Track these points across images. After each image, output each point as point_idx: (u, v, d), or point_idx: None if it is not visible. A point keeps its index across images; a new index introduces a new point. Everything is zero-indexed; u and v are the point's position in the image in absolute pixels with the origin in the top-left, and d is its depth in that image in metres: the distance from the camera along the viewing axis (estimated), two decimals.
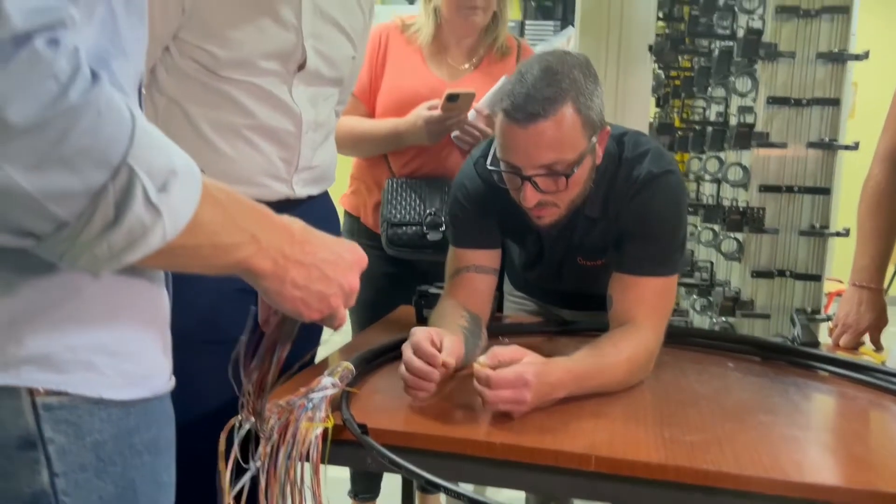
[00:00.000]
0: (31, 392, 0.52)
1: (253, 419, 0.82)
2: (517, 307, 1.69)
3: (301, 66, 1.20)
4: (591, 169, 1.16)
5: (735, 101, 2.38)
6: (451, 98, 1.61)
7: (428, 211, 1.68)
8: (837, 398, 1.14)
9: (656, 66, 2.69)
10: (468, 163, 1.32)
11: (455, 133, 1.67)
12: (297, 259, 0.64)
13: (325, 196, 1.38)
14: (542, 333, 1.43)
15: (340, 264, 0.69)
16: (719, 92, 2.54)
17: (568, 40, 2.59)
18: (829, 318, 2.63)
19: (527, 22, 3.31)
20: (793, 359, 1.28)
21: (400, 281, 1.77)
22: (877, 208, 1.46)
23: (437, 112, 1.63)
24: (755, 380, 1.19)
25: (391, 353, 1.19)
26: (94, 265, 0.49)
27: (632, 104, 2.38)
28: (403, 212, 1.70)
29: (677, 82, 3.28)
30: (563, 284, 1.45)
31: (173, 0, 1.10)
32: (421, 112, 1.65)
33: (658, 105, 3.87)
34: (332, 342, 1.39)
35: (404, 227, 1.69)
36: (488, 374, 0.95)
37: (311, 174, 1.28)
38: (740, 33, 2.25)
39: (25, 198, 0.45)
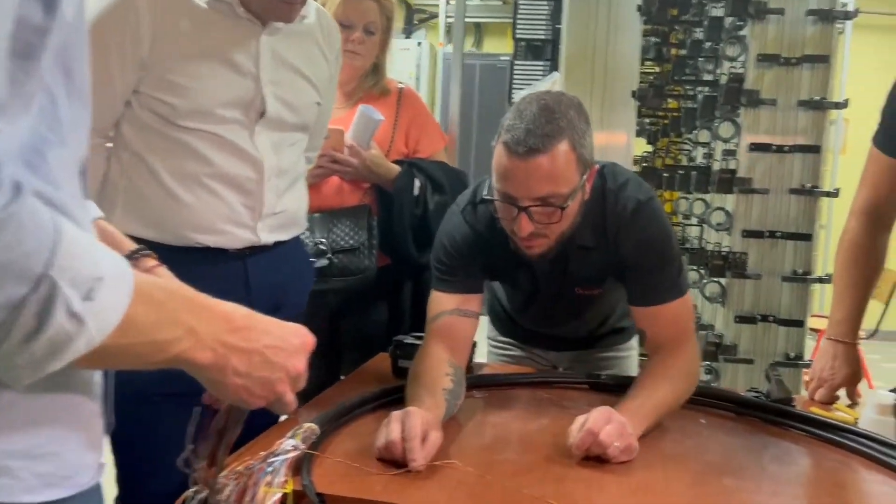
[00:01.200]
0: None
1: (206, 491, 0.82)
2: (500, 353, 1.71)
3: (262, 114, 1.22)
4: (581, 204, 1.22)
5: (719, 146, 2.40)
6: None
7: (315, 241, 1.71)
8: (807, 460, 1.13)
9: (640, 109, 2.72)
10: (453, 212, 1.35)
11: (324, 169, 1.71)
12: (239, 346, 0.64)
13: (294, 242, 1.39)
14: (518, 385, 1.42)
15: (285, 348, 0.69)
16: (704, 136, 2.57)
17: (552, 84, 2.62)
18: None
19: (516, 62, 3.34)
20: (765, 416, 1.28)
21: (308, 325, 1.79)
22: (853, 262, 1.46)
23: None
24: (725, 439, 1.19)
25: (360, 410, 1.18)
26: (16, 375, 0.49)
27: (614, 147, 2.39)
28: None
29: (665, 122, 3.31)
30: (557, 322, 1.48)
31: (132, 55, 1.13)
32: None
33: (649, 142, 3.90)
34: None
35: None
36: (593, 434, 1.03)
37: (276, 220, 1.29)
38: (723, 80, 2.28)
39: None
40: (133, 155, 1.19)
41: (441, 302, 1.32)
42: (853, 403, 1.42)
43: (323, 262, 1.73)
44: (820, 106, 2.17)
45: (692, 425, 1.24)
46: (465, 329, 1.31)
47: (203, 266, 1.20)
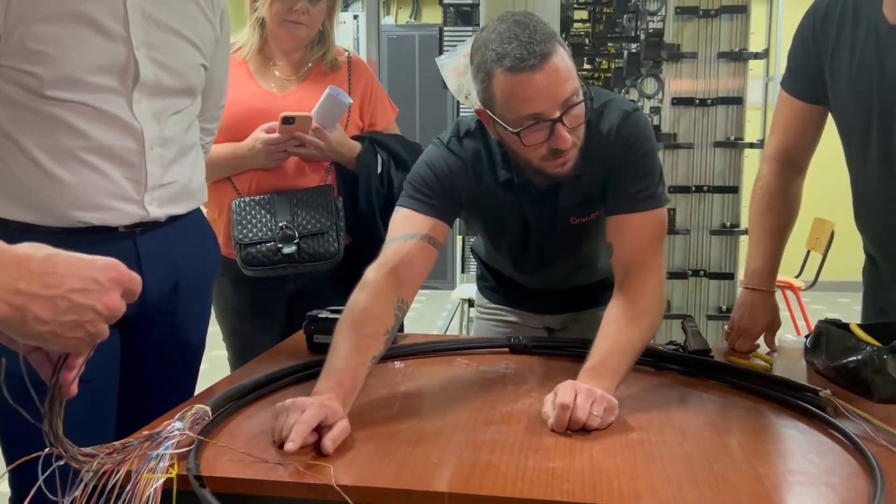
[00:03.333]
0: None
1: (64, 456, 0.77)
2: (490, 320, 1.66)
3: (137, 79, 1.15)
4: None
5: (647, 104, 2.39)
6: (287, 121, 1.61)
7: (279, 225, 1.66)
8: (717, 408, 1.13)
9: None
10: (436, 146, 1.30)
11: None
12: (39, 294, 0.62)
13: (194, 217, 1.33)
14: (437, 352, 1.39)
15: (93, 289, 0.67)
16: (633, 94, 2.55)
17: None
18: None
19: (445, 28, 3.28)
20: (683, 368, 1.28)
21: (265, 305, 1.76)
22: (767, 209, 1.45)
23: (275, 135, 1.63)
24: (640, 392, 1.18)
25: (264, 390, 1.14)
26: None
27: None
28: (255, 230, 1.68)
29: (599, 83, 3.29)
30: (553, 261, 1.42)
31: None
32: (259, 135, 1.65)
33: None
34: (213, 376, 1.34)
35: (257, 246, 1.67)
36: (566, 407, 0.99)
37: (165, 193, 1.23)
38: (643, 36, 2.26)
39: None
40: (2, 135, 1.11)
41: (412, 221, 1.24)
42: (772, 350, 1.43)
43: (291, 247, 1.68)
44: (739, 57, 2.17)
45: None
46: (427, 259, 1.23)
47: (90, 247, 1.13)
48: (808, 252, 4.45)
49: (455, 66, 2.40)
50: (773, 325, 1.45)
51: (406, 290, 1.19)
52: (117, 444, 0.86)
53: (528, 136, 1.13)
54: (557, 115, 1.11)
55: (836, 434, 1.00)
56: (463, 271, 4.04)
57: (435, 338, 1.52)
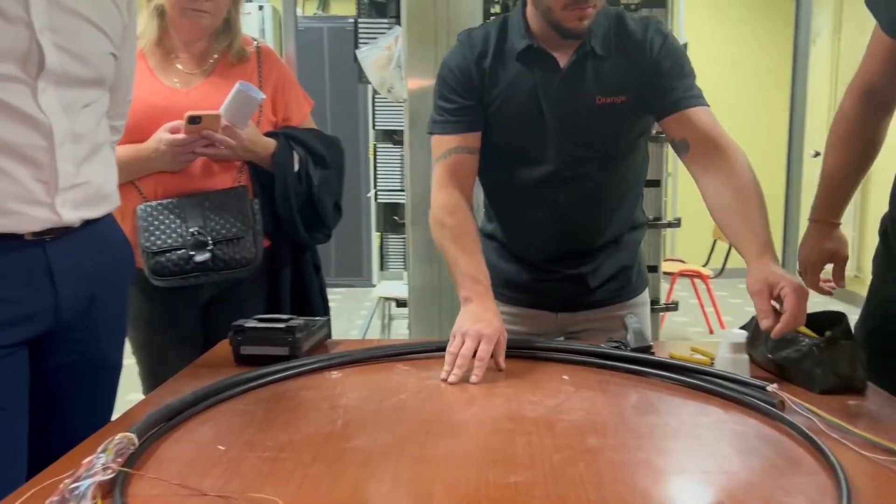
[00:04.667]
0: None
1: None
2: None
3: (42, 67, 1.03)
4: None
5: None
6: (193, 121, 1.50)
7: (190, 230, 1.55)
8: (667, 407, 1.11)
9: None
10: (456, 47, 1.41)
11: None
12: None
13: (107, 221, 1.22)
14: (376, 359, 1.33)
15: None
16: None
17: (396, 40, 2.50)
18: (672, 307, 2.72)
19: (360, 20, 3.20)
20: (626, 366, 1.26)
21: (177, 316, 1.64)
22: (838, 141, 1.44)
23: (180, 135, 1.51)
24: (588, 394, 1.15)
25: (194, 409, 1.05)
26: None
27: None
28: (164, 237, 1.56)
29: None
30: (577, 181, 1.41)
31: None
32: (162, 136, 1.52)
33: None
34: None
35: (167, 254, 1.55)
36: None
37: (79, 194, 1.11)
38: None
39: None
40: None
41: (444, 142, 1.40)
42: (838, 283, 1.46)
43: (204, 255, 1.55)
44: None
45: (554, 384, 1.20)
46: (471, 164, 1.41)
47: None
48: (715, 242, 4.60)
49: (376, 59, 2.32)
50: (834, 258, 1.46)
51: (466, 193, 1.41)
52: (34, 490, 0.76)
53: None
54: None
55: (788, 429, 1.00)
56: (382, 268, 3.97)
57: (371, 343, 1.45)
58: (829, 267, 1.51)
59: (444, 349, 1.27)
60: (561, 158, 1.40)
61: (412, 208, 2.39)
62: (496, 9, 2.74)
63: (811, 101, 3.26)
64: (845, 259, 1.47)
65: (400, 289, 3.67)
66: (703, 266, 4.57)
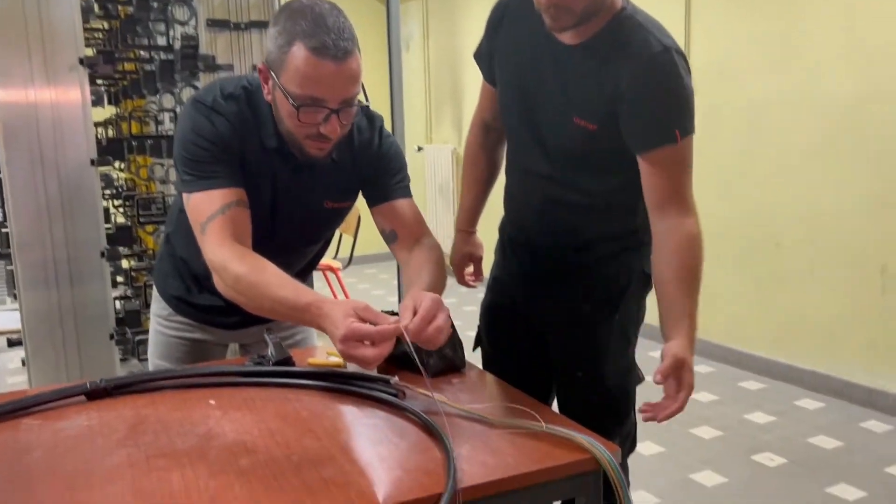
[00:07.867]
0: None
1: None
2: (173, 334, 1.63)
3: None
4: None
5: None
6: None
7: None
8: (309, 415, 1.23)
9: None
10: (195, 109, 1.31)
11: None
12: None
13: None
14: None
15: None
16: (168, 100, 2.50)
17: None
18: None
19: None
20: (269, 379, 1.35)
21: None
22: (472, 163, 1.75)
23: None
24: (236, 415, 1.21)
25: None
26: None
27: (70, 117, 2.16)
28: None
29: (125, 83, 3.12)
30: (294, 243, 1.50)
31: None
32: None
33: (111, 103, 3.63)
34: None
35: None
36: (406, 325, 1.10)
37: None
38: (178, 45, 2.23)
39: None
40: None
41: (212, 199, 1.28)
42: (478, 278, 1.78)
43: None
44: None
45: (201, 411, 1.23)
46: (247, 220, 1.31)
47: None
48: (341, 235, 4.93)
49: None
50: (473, 258, 1.80)
51: (247, 245, 1.30)
52: None
53: (305, 114, 1.23)
54: (336, 107, 1.23)
55: (410, 415, 1.18)
56: None
57: None
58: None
59: (72, 395, 1.22)
60: (292, 225, 1.47)
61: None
62: (98, 12, 2.58)
63: (408, 99, 3.64)
64: (481, 259, 1.82)
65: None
66: (334, 258, 4.86)
